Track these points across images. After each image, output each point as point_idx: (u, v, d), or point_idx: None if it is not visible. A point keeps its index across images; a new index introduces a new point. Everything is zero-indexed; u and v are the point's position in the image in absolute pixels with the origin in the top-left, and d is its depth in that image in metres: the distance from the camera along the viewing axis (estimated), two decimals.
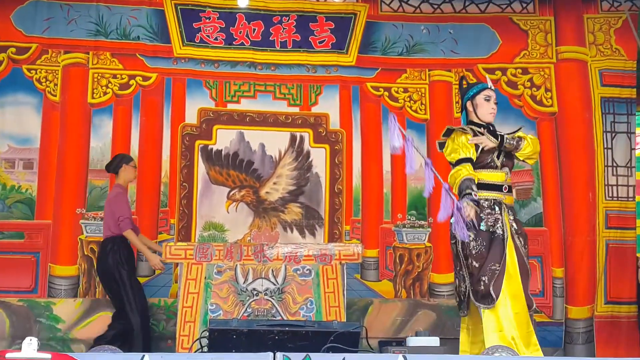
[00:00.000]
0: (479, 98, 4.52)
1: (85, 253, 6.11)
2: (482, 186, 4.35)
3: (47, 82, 6.28)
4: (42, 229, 6.10)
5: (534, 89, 6.63)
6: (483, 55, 6.66)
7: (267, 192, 6.50)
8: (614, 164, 6.46)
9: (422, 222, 6.48)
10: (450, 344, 4.64)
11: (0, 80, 6.22)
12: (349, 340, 3.83)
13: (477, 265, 4.20)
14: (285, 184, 6.53)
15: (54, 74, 6.30)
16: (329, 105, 6.61)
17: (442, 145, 4.62)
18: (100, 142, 6.30)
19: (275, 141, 6.53)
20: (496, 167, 4.40)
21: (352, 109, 6.61)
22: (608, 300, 6.25)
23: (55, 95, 6.28)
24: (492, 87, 4.54)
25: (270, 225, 6.44)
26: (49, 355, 2.91)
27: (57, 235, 6.12)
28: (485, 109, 4.50)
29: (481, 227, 4.24)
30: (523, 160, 4.62)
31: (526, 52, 6.68)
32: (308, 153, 6.57)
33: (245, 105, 6.57)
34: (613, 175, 6.45)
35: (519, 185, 6.51)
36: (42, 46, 6.30)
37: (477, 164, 4.41)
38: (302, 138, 6.57)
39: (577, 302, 6.31)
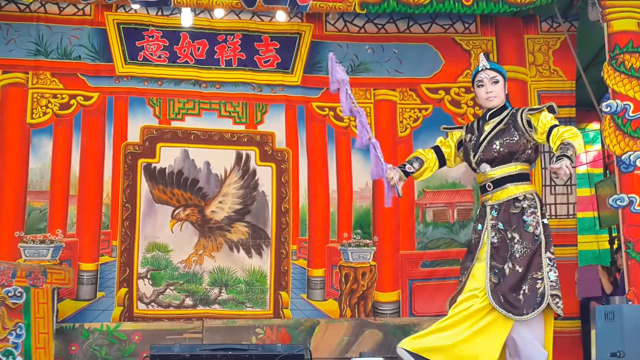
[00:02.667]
0: (475, 86, 4.18)
1: None
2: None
3: None
4: None
5: (477, 107, 6.70)
6: (427, 75, 6.74)
7: (212, 211, 6.44)
8: (553, 183, 6.58)
9: (367, 241, 6.50)
10: None
11: None
12: None
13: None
14: (231, 203, 6.49)
15: None
16: (274, 124, 6.60)
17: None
18: (40, 163, 6.18)
19: (220, 159, 6.50)
20: (474, 169, 4.14)
21: (298, 128, 6.62)
22: None
23: None
24: (487, 66, 4.12)
25: (216, 245, 6.38)
26: None
27: None
28: (480, 95, 4.15)
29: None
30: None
31: (469, 72, 6.74)
32: (254, 171, 6.54)
33: (190, 123, 6.52)
34: (551, 194, 6.56)
35: (460, 205, 6.60)
36: None
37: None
38: (248, 156, 6.55)
39: None
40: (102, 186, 6.24)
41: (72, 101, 6.30)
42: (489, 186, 4.05)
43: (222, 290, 6.32)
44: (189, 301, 6.26)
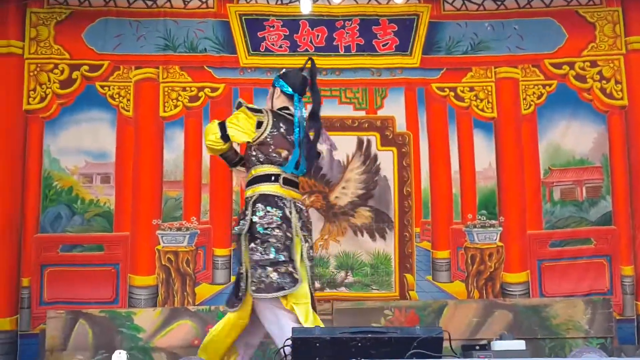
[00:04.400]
0: None
1: (163, 263, 6.24)
2: None
3: (120, 98, 6.43)
4: (121, 240, 6.25)
5: (604, 81, 6.51)
6: (550, 50, 6.57)
7: (336, 197, 6.54)
8: None
9: (493, 222, 6.43)
10: (528, 344, 4.59)
11: (75, 98, 6.40)
12: (432, 345, 3.84)
13: None
14: (354, 188, 6.56)
15: (127, 90, 6.43)
16: (394, 107, 6.59)
17: None
18: (173, 154, 6.41)
19: (342, 146, 6.50)
20: None
21: (418, 111, 6.59)
22: None
23: (129, 111, 6.42)
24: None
25: (341, 230, 6.49)
26: None
27: (135, 247, 6.26)
28: None
29: None
30: None
31: (594, 45, 6.57)
32: (375, 156, 6.57)
33: None
34: None
35: (589, 182, 6.43)
36: (113, 63, 6.42)
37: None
38: (369, 142, 6.58)
39: None
40: (231, 175, 6.43)
41: (200, 93, 6.50)
42: None
43: (348, 274, 6.42)
44: (317, 284, 6.37)
